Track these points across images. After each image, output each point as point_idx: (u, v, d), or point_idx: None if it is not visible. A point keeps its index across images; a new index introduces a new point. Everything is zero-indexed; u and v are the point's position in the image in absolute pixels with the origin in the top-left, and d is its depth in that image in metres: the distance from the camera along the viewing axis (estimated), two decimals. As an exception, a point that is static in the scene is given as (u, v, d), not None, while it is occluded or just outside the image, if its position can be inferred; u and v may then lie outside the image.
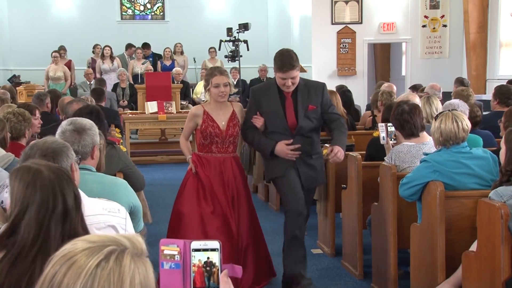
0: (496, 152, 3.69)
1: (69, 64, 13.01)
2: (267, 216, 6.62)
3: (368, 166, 4.75)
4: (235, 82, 11.46)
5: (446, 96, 7.45)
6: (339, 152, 4.22)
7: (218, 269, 1.65)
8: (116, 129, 7.48)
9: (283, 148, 4.27)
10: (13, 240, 1.88)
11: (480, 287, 3.25)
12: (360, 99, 11.27)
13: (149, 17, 15.88)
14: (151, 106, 10.14)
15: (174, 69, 12.24)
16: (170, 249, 1.67)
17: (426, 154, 3.93)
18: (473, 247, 3.40)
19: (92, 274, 1.18)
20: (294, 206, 4.27)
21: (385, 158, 4.45)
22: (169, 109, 10.18)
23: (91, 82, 11.88)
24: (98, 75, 12.49)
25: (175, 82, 11.54)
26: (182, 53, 13.64)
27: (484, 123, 5.50)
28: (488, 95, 8.80)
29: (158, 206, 7.18)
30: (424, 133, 4.36)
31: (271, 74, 13.75)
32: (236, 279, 3.97)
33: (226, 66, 10.48)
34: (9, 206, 2.01)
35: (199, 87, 12.47)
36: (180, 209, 4.44)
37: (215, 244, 1.65)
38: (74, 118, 3.13)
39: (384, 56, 14.62)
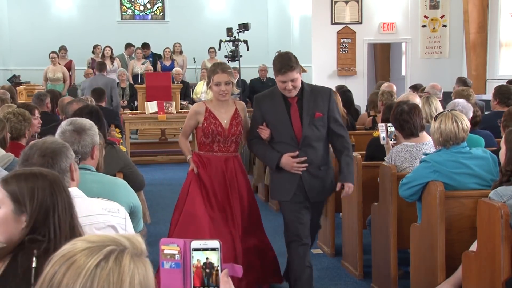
0: (496, 152, 3.69)
1: (69, 64, 13.01)
2: (267, 216, 6.62)
3: (368, 166, 4.75)
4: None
5: (447, 96, 7.45)
6: (350, 190, 4.11)
7: (218, 269, 1.64)
8: (116, 129, 7.48)
9: (288, 161, 4.01)
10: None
11: (480, 287, 3.25)
12: (360, 99, 11.25)
13: (149, 17, 15.88)
14: (151, 106, 10.14)
15: (174, 69, 12.25)
16: (170, 248, 1.67)
17: (426, 154, 3.93)
18: (473, 247, 3.40)
19: (92, 274, 1.18)
20: (295, 231, 4.07)
21: (385, 158, 4.45)
22: (169, 109, 10.18)
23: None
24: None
25: (175, 82, 11.54)
26: (181, 52, 13.65)
27: (484, 123, 5.50)
28: (488, 95, 8.79)
29: (158, 206, 7.18)
30: (424, 133, 4.36)
31: (271, 74, 13.74)
32: (238, 279, 3.97)
33: (226, 66, 10.45)
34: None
35: (199, 87, 12.47)
36: (191, 210, 4.26)
37: (215, 243, 1.65)
38: (74, 118, 3.13)
39: (384, 56, 14.62)
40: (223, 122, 4.30)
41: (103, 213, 2.45)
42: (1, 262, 1.92)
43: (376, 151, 4.89)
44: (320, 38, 12.38)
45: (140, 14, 15.88)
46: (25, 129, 4.63)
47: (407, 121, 4.29)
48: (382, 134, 4.68)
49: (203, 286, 1.64)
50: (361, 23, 12.42)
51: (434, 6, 12.61)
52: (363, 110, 9.31)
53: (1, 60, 14.57)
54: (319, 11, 12.34)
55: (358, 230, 4.73)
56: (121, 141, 6.52)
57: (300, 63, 4.09)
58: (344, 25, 12.40)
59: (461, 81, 8.17)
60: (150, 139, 11.42)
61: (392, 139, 4.66)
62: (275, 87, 4.10)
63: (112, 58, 12.92)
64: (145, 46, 13.65)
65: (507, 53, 11.60)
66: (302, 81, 4.05)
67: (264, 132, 4.10)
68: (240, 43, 10.95)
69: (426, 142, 4.29)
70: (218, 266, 1.64)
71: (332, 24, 12.40)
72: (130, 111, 11.01)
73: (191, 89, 12.51)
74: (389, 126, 4.63)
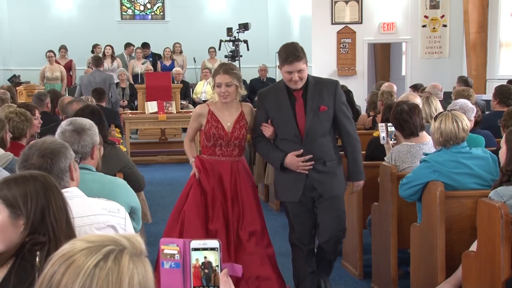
0: (496, 152, 3.69)
1: (70, 64, 13.00)
2: (267, 216, 6.57)
3: (368, 166, 4.73)
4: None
5: (447, 96, 7.45)
6: (358, 187, 4.13)
7: (217, 269, 1.64)
8: (116, 129, 7.48)
9: (293, 160, 3.86)
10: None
11: (480, 287, 3.25)
12: (360, 99, 11.24)
13: (149, 17, 15.88)
14: (151, 106, 10.14)
15: (174, 69, 12.24)
16: (170, 248, 1.67)
17: (426, 154, 3.93)
18: (473, 247, 3.40)
19: (91, 274, 1.18)
20: (298, 236, 4.05)
21: (385, 158, 4.45)
22: (169, 109, 10.17)
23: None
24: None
25: (175, 82, 11.54)
26: (181, 52, 13.65)
27: (484, 123, 5.49)
28: (488, 95, 8.79)
29: (158, 206, 7.17)
30: (424, 133, 4.36)
31: (271, 74, 13.77)
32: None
33: (226, 66, 10.44)
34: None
35: (199, 87, 12.48)
36: (185, 212, 4.13)
37: (215, 243, 1.65)
38: (74, 118, 3.13)
39: (384, 56, 14.61)
40: (226, 125, 4.10)
41: (103, 213, 2.45)
42: (4, 265, 1.92)
43: (376, 151, 4.89)
44: (320, 38, 12.37)
45: (140, 14, 15.88)
46: (27, 129, 4.62)
47: (407, 121, 4.29)
48: (382, 134, 4.68)
49: (202, 286, 1.64)
50: (361, 23, 12.41)
51: (434, 6, 12.60)
52: (363, 110, 9.30)
53: (1, 60, 14.58)
54: (319, 11, 12.34)
55: (358, 230, 4.72)
56: (121, 141, 6.51)
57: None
58: (344, 25, 12.40)
59: (463, 80, 8.16)
60: (150, 139, 11.41)
61: (392, 139, 4.66)
62: (279, 82, 3.97)
63: (112, 57, 12.92)
64: (145, 46, 13.65)
65: (507, 53, 11.60)
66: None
67: (268, 130, 3.95)
68: (240, 43, 10.96)
69: (426, 142, 4.29)
70: (217, 265, 1.64)
71: (332, 24, 12.39)
72: (130, 111, 11.02)
73: (191, 89, 12.51)
74: (389, 126, 4.63)
